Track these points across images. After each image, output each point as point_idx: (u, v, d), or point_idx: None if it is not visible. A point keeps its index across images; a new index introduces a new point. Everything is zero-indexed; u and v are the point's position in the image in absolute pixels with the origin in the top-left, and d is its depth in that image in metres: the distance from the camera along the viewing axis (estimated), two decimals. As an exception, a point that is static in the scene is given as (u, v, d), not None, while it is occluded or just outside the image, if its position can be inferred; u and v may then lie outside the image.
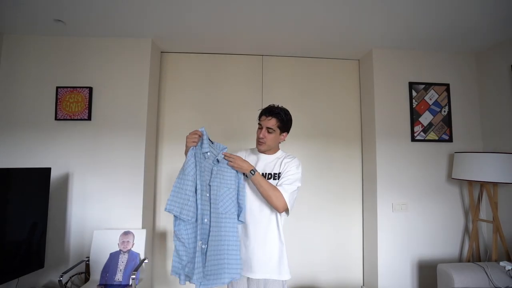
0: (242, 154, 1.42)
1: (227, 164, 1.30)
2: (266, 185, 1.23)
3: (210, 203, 1.22)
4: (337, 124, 2.46)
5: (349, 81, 2.51)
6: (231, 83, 2.42)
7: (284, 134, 1.37)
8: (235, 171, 1.30)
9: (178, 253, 1.15)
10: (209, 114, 2.37)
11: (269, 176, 1.33)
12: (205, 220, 1.19)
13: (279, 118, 1.30)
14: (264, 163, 1.37)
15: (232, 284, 1.37)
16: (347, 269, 2.37)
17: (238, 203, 1.29)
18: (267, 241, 1.28)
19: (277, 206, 1.23)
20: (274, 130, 1.30)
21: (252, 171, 1.24)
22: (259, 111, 1.37)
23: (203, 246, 1.17)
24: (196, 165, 1.17)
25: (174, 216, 1.14)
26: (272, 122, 1.29)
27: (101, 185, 2.04)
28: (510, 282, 1.66)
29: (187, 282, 1.15)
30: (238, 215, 1.29)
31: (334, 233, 2.38)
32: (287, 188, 1.25)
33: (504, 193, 2.05)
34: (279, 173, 1.32)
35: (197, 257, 1.11)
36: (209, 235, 1.18)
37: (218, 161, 1.28)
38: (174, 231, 1.14)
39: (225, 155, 1.28)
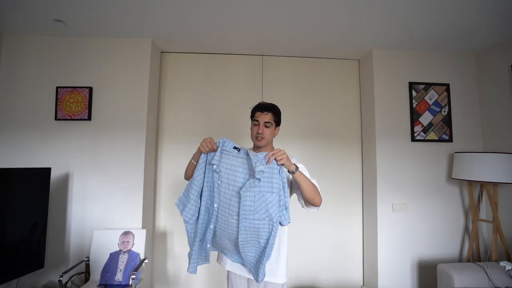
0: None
1: (272, 165, 1.14)
2: (309, 180, 1.20)
3: (239, 212, 1.12)
4: (337, 124, 2.45)
5: (349, 81, 2.51)
6: (231, 83, 2.42)
7: (278, 128, 1.39)
8: (277, 172, 1.14)
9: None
10: (209, 114, 2.37)
11: None
12: (211, 226, 1.20)
13: (274, 112, 1.33)
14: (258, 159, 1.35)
15: (233, 284, 1.37)
16: (347, 269, 2.37)
17: (284, 205, 1.17)
18: None
19: (318, 202, 1.22)
20: (271, 124, 1.32)
21: (297, 167, 1.17)
22: (251, 109, 1.38)
23: (208, 245, 1.22)
24: (205, 172, 1.19)
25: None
26: (268, 117, 1.31)
27: (101, 185, 2.04)
28: (510, 282, 1.66)
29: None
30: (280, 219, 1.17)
31: (334, 233, 2.38)
32: (316, 184, 1.24)
33: (504, 193, 2.05)
34: None
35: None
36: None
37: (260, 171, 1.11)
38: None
39: (268, 157, 1.13)
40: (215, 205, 1.18)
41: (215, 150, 1.20)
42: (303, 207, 1.29)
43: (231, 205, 1.14)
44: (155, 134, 2.32)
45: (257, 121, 1.32)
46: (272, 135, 1.36)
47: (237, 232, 1.12)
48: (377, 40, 2.15)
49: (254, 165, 1.09)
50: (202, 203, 1.19)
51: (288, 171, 1.16)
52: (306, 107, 2.44)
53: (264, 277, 1.17)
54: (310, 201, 1.21)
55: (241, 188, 1.12)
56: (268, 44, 2.25)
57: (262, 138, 1.31)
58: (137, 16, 1.84)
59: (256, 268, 1.18)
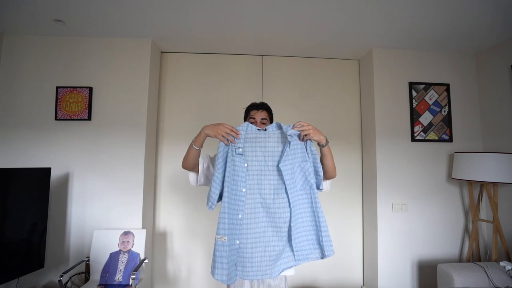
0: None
1: (299, 137, 1.15)
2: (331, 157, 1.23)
3: (286, 188, 1.12)
4: (337, 124, 2.45)
5: (349, 81, 2.50)
6: (231, 83, 2.41)
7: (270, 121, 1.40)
8: (302, 144, 1.16)
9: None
10: (209, 114, 2.37)
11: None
12: (239, 216, 1.10)
13: (269, 110, 1.40)
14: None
15: (235, 284, 1.34)
16: (347, 269, 2.36)
17: (317, 171, 1.18)
18: None
19: (335, 174, 1.27)
20: (267, 120, 1.35)
21: (327, 141, 1.19)
22: (244, 109, 1.42)
23: (236, 242, 1.10)
24: (226, 160, 1.13)
25: None
26: (264, 114, 1.35)
27: (101, 185, 2.04)
28: (510, 282, 1.66)
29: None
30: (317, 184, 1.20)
31: (334, 233, 2.29)
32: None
33: (504, 193, 2.05)
34: None
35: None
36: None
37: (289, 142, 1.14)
38: None
39: (296, 128, 1.14)
40: (243, 190, 1.11)
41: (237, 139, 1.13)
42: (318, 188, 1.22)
43: (268, 184, 1.11)
44: (155, 134, 2.32)
45: (254, 118, 1.34)
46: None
47: (289, 208, 1.10)
48: (377, 40, 2.15)
49: (285, 131, 1.12)
50: (225, 189, 1.09)
51: (318, 144, 1.17)
52: (306, 107, 2.44)
53: (332, 247, 1.14)
54: (330, 174, 1.23)
55: (279, 162, 1.11)
56: (268, 44, 2.24)
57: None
58: (137, 16, 1.84)
59: (321, 244, 1.14)
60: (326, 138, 1.17)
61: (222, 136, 1.12)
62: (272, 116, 1.41)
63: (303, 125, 1.13)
